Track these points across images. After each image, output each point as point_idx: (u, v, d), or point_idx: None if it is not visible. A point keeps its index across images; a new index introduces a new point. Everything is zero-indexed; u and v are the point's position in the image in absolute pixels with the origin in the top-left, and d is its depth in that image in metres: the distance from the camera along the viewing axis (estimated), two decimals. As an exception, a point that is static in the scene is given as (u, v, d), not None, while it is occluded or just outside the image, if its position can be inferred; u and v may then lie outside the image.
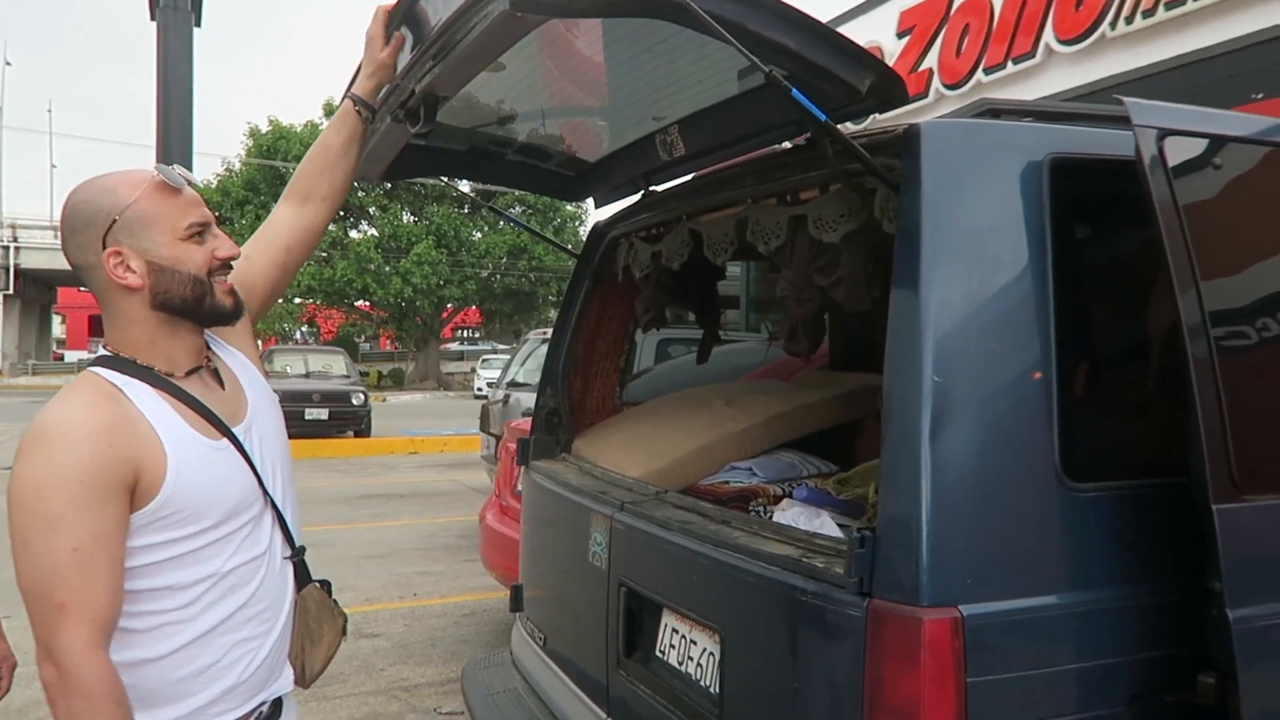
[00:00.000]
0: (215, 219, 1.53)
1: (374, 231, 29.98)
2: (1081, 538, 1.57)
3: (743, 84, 1.89)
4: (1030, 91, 7.15)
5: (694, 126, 2.15)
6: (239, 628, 1.49)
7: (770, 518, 2.16)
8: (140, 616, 1.42)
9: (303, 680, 1.65)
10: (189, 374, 1.50)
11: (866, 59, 1.59)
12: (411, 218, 30.18)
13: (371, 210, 30.10)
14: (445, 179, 2.59)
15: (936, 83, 8.09)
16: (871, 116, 1.82)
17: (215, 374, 1.55)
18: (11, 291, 40.48)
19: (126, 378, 1.44)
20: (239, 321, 1.59)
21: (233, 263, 1.52)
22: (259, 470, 1.53)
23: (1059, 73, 7.13)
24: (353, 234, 30.29)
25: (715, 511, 2.05)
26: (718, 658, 1.88)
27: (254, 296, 1.71)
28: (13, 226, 41.82)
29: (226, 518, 1.47)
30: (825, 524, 2.04)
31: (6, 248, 40.30)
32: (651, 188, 2.55)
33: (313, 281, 28.44)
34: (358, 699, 4.26)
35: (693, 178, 2.40)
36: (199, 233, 1.47)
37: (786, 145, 1.99)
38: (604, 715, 2.32)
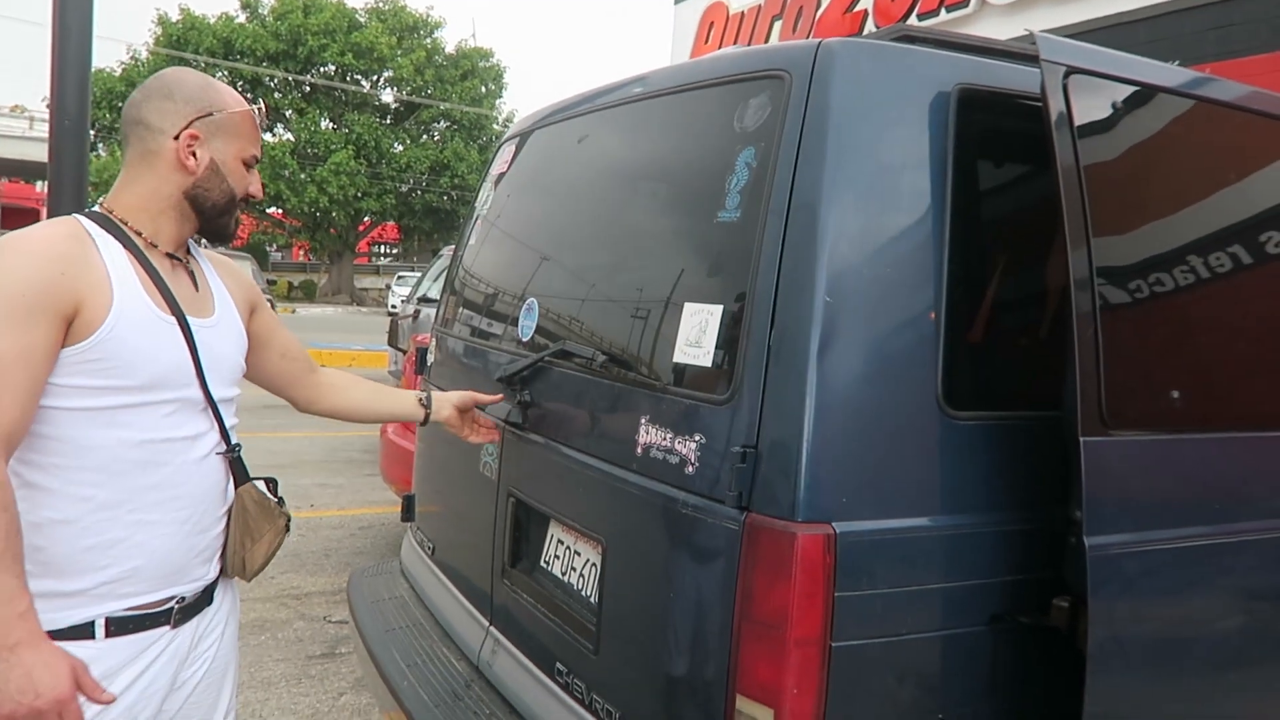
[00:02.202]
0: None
1: (290, 136, 28.81)
2: (957, 464, 1.61)
3: None
4: (959, 40, 7.20)
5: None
6: (150, 509, 1.51)
7: (663, 436, 2.16)
8: (52, 470, 1.44)
9: (243, 574, 1.70)
10: (167, 255, 1.59)
11: None
12: (330, 125, 29.10)
13: (288, 114, 28.88)
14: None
15: (870, 25, 8.07)
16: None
17: (192, 275, 1.63)
18: (-109, 172, 37.82)
19: (103, 232, 1.51)
20: (243, 297, 1.75)
21: (257, 200, 1.69)
22: (200, 360, 1.56)
23: (990, 23, 7.19)
24: (266, 138, 29.07)
25: (607, 426, 2.04)
26: (599, 569, 1.89)
27: (259, 347, 1.83)
28: (-108, 102, 38.89)
29: (150, 385, 1.49)
30: (715, 444, 2.05)
31: (-115, 124, 37.49)
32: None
33: (223, 184, 27.29)
34: (246, 604, 4.21)
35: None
36: (251, 164, 1.65)
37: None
38: (486, 624, 2.33)
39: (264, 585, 4.53)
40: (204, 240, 1.72)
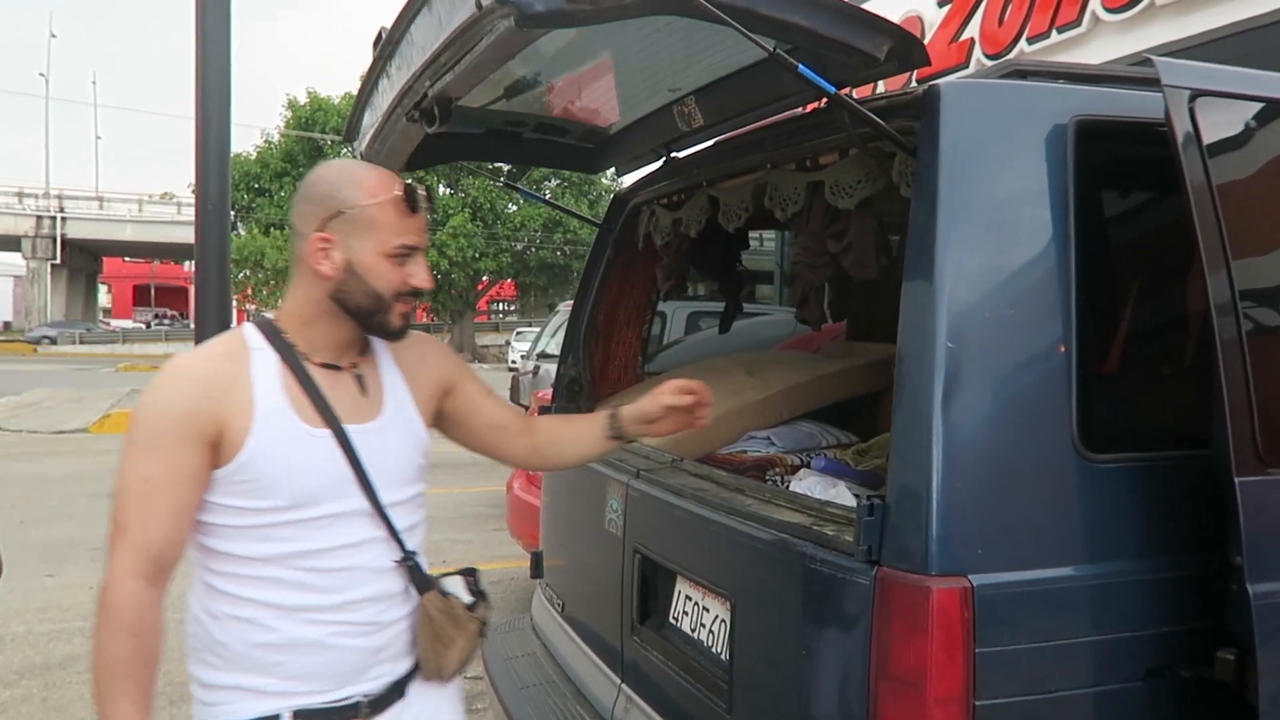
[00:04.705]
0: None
1: (411, 204, 30.09)
2: (1098, 509, 1.53)
3: (757, 53, 1.85)
4: (1076, 61, 6.97)
5: (711, 96, 2.12)
6: (319, 612, 1.49)
7: (787, 487, 2.15)
8: (224, 577, 1.47)
9: (440, 677, 1.63)
10: (326, 365, 1.53)
11: (881, 24, 1.55)
12: (447, 190, 30.28)
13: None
14: (466, 163, 2.59)
15: (978, 53, 7.91)
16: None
17: (359, 378, 1.57)
18: (59, 261, 41.33)
19: (264, 343, 1.50)
20: (432, 382, 1.67)
21: (421, 292, 1.54)
22: (364, 469, 1.51)
23: (1105, 41, 6.94)
24: (390, 206, 30.46)
25: (729, 479, 2.04)
26: (729, 625, 1.88)
27: (463, 424, 1.77)
28: (59, 197, 42.64)
29: (300, 502, 1.46)
30: (841, 493, 2.02)
31: (54, 218, 41.14)
32: (672, 155, 2.52)
33: (351, 254, 28.64)
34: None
35: (714, 143, 2.37)
36: (405, 254, 1.50)
37: (803, 110, 1.96)
38: (618, 681, 2.33)
39: (402, 642, 4.65)
40: None
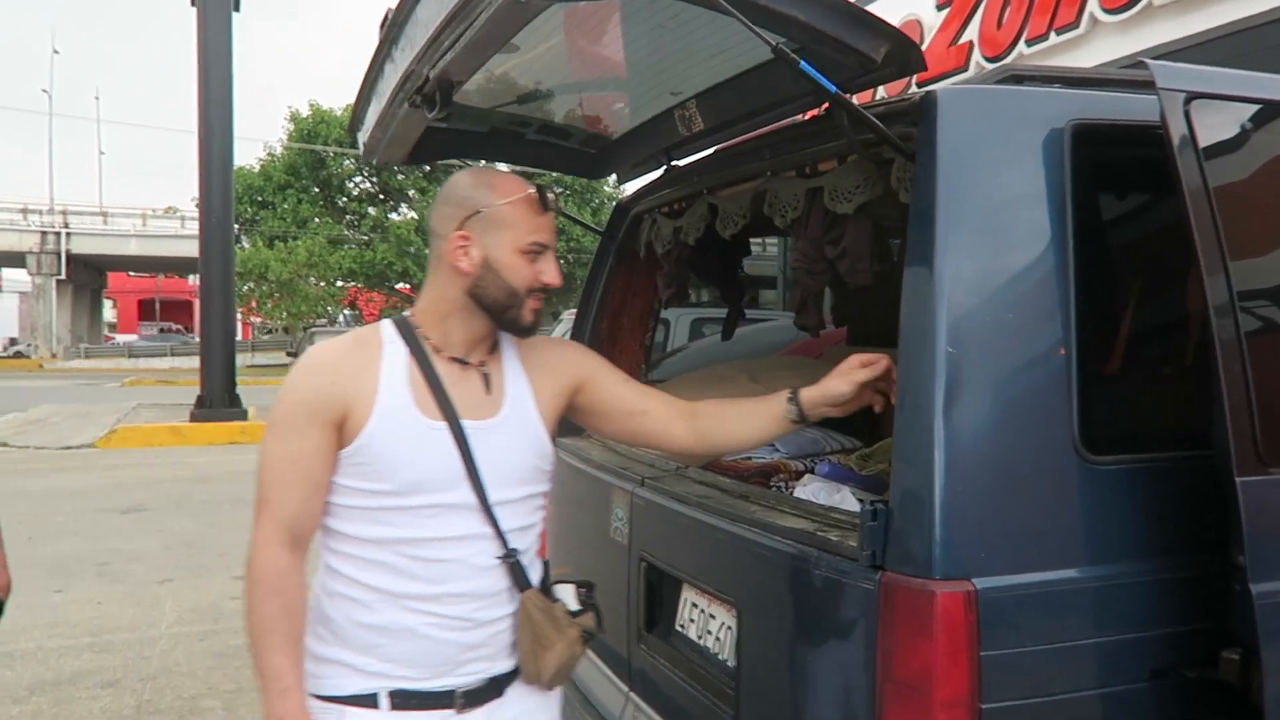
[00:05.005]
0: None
1: (414, 214, 30.18)
2: (1100, 511, 1.54)
3: (758, 56, 1.87)
4: (1074, 63, 6.98)
5: (712, 101, 2.13)
6: (418, 601, 1.56)
7: (791, 493, 2.15)
8: (340, 556, 1.59)
9: (539, 681, 1.65)
10: (455, 360, 1.62)
11: (880, 27, 1.56)
12: (451, 200, 30.34)
13: (411, 193, 30.33)
14: (468, 160, 2.60)
15: (977, 55, 7.93)
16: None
17: (485, 376, 1.65)
18: (64, 277, 41.48)
19: (397, 338, 1.61)
20: (560, 381, 1.74)
21: (551, 288, 1.62)
22: (476, 464, 1.57)
23: (1104, 43, 6.95)
24: (393, 217, 30.55)
25: (734, 486, 2.05)
26: (735, 632, 1.88)
27: (601, 415, 1.81)
28: (63, 213, 42.81)
29: (409, 489, 1.54)
30: (845, 499, 2.02)
31: (58, 234, 41.27)
32: (673, 163, 2.53)
33: (354, 265, 28.74)
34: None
35: (714, 152, 2.39)
36: (536, 252, 1.60)
37: (803, 117, 1.97)
38: (626, 689, 2.34)
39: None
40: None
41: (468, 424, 1.58)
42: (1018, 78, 1.77)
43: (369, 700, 1.57)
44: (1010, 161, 1.58)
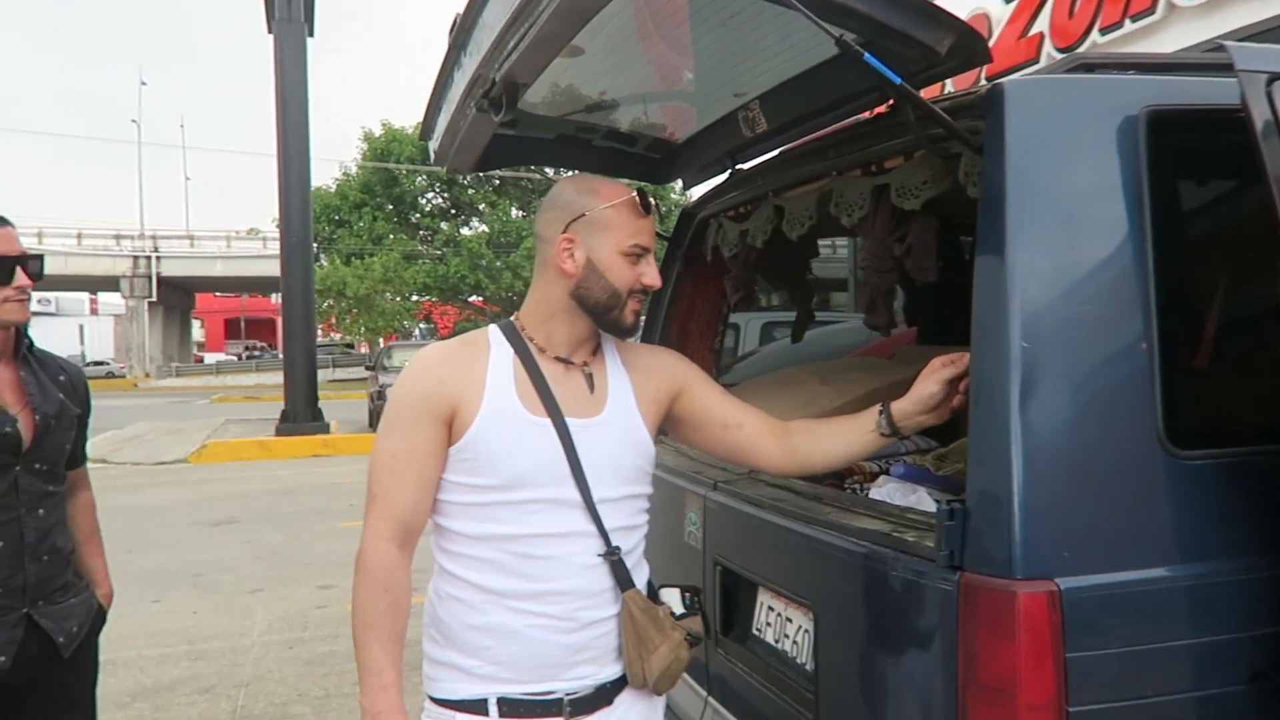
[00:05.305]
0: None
1: (484, 228, 30.62)
2: (1189, 507, 1.49)
3: (820, 54, 1.86)
4: (1150, 51, 6.76)
5: (775, 101, 2.13)
6: (523, 599, 1.59)
7: (866, 495, 2.13)
8: (450, 555, 1.63)
9: (644, 685, 1.66)
10: (559, 360, 1.67)
11: (944, 18, 1.54)
12: (520, 213, 30.70)
13: (481, 207, 30.77)
14: (535, 168, 2.63)
15: (1048, 47, 7.74)
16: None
17: (588, 376, 1.69)
18: (155, 299, 43.12)
19: (503, 340, 1.67)
20: (660, 387, 1.76)
21: (652, 290, 1.67)
22: (579, 461, 1.60)
23: (1182, 28, 6.73)
24: (464, 231, 31.02)
25: (807, 488, 2.04)
26: (812, 635, 1.87)
27: (696, 425, 1.82)
28: (153, 237, 44.51)
29: (512, 484, 1.58)
30: (921, 499, 1.99)
31: (149, 258, 42.93)
32: (737, 166, 2.53)
33: (428, 279, 29.24)
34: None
35: (779, 153, 2.38)
36: (637, 255, 1.65)
37: (867, 115, 1.95)
38: (704, 693, 2.34)
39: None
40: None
41: (571, 421, 1.61)
42: (1088, 66, 1.73)
43: (480, 707, 1.59)
44: (1082, 151, 1.54)
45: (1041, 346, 1.45)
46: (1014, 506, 1.41)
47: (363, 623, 1.57)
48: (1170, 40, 6.70)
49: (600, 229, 1.62)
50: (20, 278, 2.06)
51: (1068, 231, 1.51)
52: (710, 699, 2.30)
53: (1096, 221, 1.52)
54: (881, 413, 1.71)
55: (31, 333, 2.22)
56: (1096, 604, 1.42)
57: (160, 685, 4.56)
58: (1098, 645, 1.42)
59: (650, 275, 1.65)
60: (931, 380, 1.67)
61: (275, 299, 47.43)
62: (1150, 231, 1.51)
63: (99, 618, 2.33)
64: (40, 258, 2.14)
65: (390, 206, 30.84)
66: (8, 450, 2.05)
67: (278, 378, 17.84)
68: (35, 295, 2.14)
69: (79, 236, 43.25)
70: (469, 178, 29.63)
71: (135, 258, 42.73)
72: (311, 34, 13.95)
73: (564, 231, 1.63)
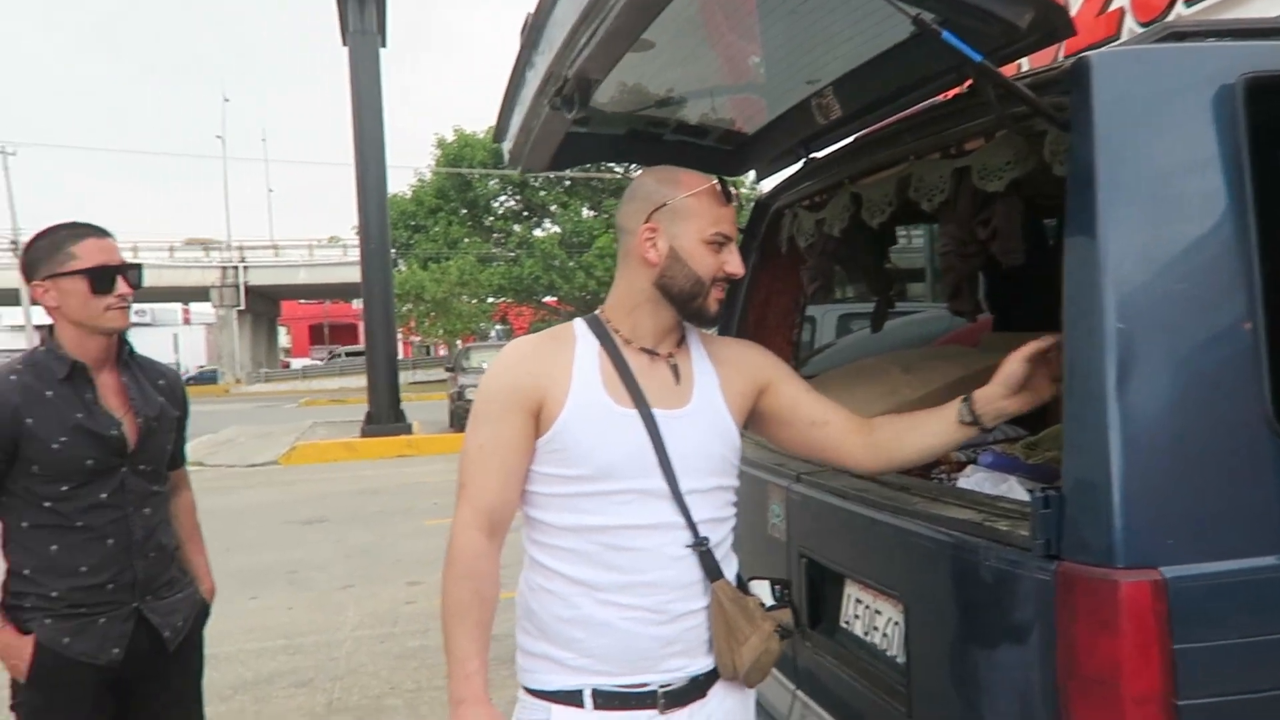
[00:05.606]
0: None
1: (557, 229, 30.88)
2: (1304, 492, 1.42)
3: (895, 35, 1.82)
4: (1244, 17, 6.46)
5: (849, 87, 2.09)
6: (612, 591, 1.60)
7: (954, 484, 2.08)
8: (541, 547, 1.65)
9: (735, 676, 1.66)
10: (644, 350, 1.68)
11: (1024, -8, 1.49)
12: (591, 212, 30.89)
13: (553, 208, 31.04)
14: (605, 167, 2.63)
15: (1130, 21, 7.45)
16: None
17: (674, 367, 1.69)
18: (243, 307, 44.62)
19: (588, 333, 1.69)
20: (746, 381, 1.74)
21: (735, 278, 1.67)
22: (666, 451, 1.60)
23: (1276, -8, 6.41)
24: (537, 233, 31.35)
25: (893, 479, 2.00)
26: (903, 627, 1.84)
27: (782, 422, 1.80)
28: (240, 248, 46.05)
29: (601, 474, 1.59)
30: (1012, 488, 1.94)
31: (236, 268, 44.45)
32: (811, 155, 2.50)
33: (503, 281, 29.64)
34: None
35: (853, 140, 2.34)
36: (720, 243, 1.65)
37: (944, 98, 1.91)
38: (793, 687, 2.32)
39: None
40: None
41: (658, 412, 1.62)
42: (1179, 34, 1.66)
43: (574, 698, 1.61)
44: (1176, 123, 1.48)
45: (1138, 327, 1.40)
46: (1113, 493, 1.36)
47: (450, 611, 1.60)
48: (1264, 6, 6.39)
49: (682, 218, 1.63)
50: (121, 286, 2.15)
51: (1163, 207, 1.46)
52: (799, 693, 2.28)
53: (1193, 196, 1.46)
54: (964, 401, 1.67)
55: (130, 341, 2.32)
56: (1204, 593, 1.37)
57: (260, 678, 4.72)
58: (1207, 636, 1.37)
59: (733, 263, 1.65)
60: (1015, 362, 1.61)
61: (356, 304, 48.61)
62: (1252, 205, 1.45)
63: (203, 612, 2.43)
64: (139, 267, 2.23)
65: (464, 210, 31.33)
66: (115, 452, 2.15)
67: (361, 381, 18.31)
68: (133, 307, 2.23)
69: (171, 249, 45.04)
70: (540, 180, 29.93)
71: (224, 268, 44.29)
72: (384, 44, 14.23)
73: (646, 221, 1.64)
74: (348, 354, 49.83)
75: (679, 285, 1.63)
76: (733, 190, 1.66)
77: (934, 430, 1.69)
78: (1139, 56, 1.55)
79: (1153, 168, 1.46)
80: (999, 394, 1.62)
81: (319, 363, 51.11)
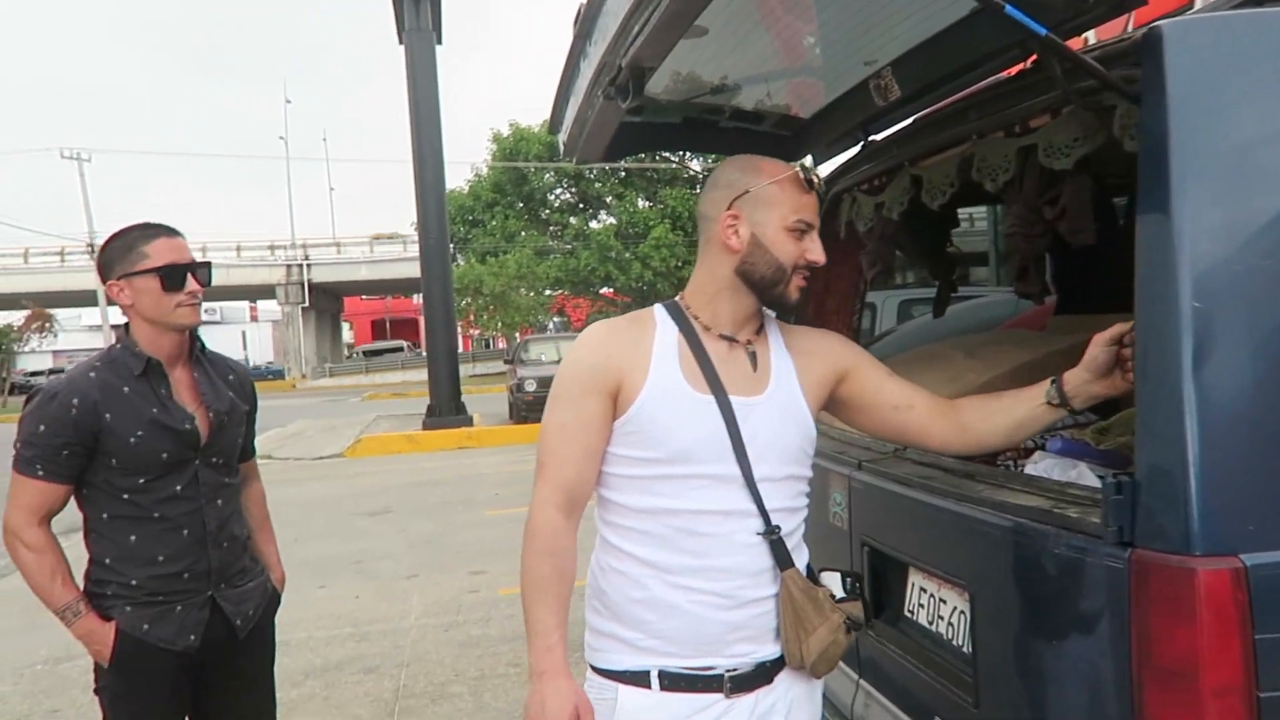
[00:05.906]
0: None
1: (612, 220, 30.95)
2: (1394, 476, 1.35)
3: (956, 11, 1.78)
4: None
5: (908, 66, 2.05)
6: (683, 574, 1.61)
7: (1021, 471, 2.04)
8: (614, 528, 1.67)
9: (802, 666, 1.66)
10: (723, 337, 1.68)
11: (1091, -38, 1.45)
12: (646, 203, 30.88)
13: (608, 200, 31.10)
14: (660, 157, 2.62)
15: (1202, -11, 7.19)
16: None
17: (752, 355, 1.70)
18: (307, 304, 45.57)
19: (668, 318, 1.70)
20: (825, 369, 1.75)
21: (817, 265, 1.67)
22: (741, 437, 1.61)
23: (1359, -47, 6.11)
24: (593, 224, 31.43)
25: (957, 465, 1.97)
26: (969, 616, 1.81)
27: (863, 408, 1.80)
28: (303, 246, 46.98)
29: (677, 458, 1.60)
30: (1082, 474, 1.89)
31: (300, 266, 45.39)
32: (870, 137, 2.46)
33: (560, 273, 29.79)
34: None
35: (913, 121, 2.30)
36: (801, 230, 1.65)
37: (1007, 74, 1.86)
38: (855, 676, 2.30)
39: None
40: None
41: (735, 399, 1.62)
42: None
43: (642, 679, 1.63)
44: (1254, 93, 1.42)
45: (1216, 307, 1.35)
46: (1190, 479, 1.32)
47: (529, 585, 1.61)
48: (1346, -30, 6.10)
49: (765, 205, 1.63)
50: (191, 283, 2.21)
51: (1240, 181, 1.40)
52: (862, 682, 2.26)
53: (1272, 169, 1.40)
54: (1053, 383, 1.66)
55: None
56: (1288, 582, 1.32)
57: (329, 665, 4.83)
58: (1292, 626, 1.31)
59: (815, 251, 1.65)
60: (1099, 348, 1.61)
61: (417, 299, 49.34)
62: (1338, 175, 1.38)
63: (274, 601, 2.48)
64: (208, 265, 2.29)
65: (521, 204, 31.56)
66: (188, 446, 2.21)
67: (422, 374, 18.57)
68: (203, 305, 2.29)
69: (238, 249, 46.13)
70: (595, 171, 30.01)
71: (288, 266, 45.26)
72: (440, 42, 14.37)
73: (728, 209, 1.64)
74: (365, 352, 51.71)
75: (760, 272, 1.64)
76: (815, 179, 1.64)
77: (1023, 411, 1.69)
78: (1214, 24, 1.49)
79: (1230, 140, 1.40)
80: (1086, 377, 1.62)
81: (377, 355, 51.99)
